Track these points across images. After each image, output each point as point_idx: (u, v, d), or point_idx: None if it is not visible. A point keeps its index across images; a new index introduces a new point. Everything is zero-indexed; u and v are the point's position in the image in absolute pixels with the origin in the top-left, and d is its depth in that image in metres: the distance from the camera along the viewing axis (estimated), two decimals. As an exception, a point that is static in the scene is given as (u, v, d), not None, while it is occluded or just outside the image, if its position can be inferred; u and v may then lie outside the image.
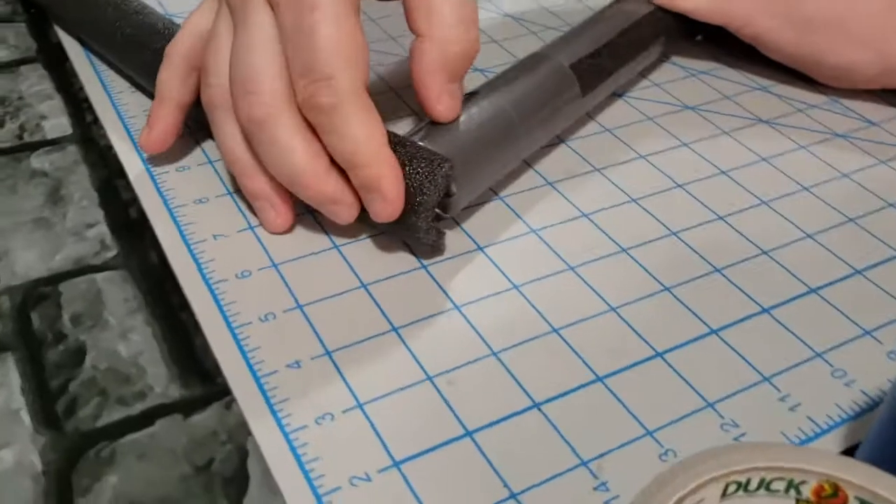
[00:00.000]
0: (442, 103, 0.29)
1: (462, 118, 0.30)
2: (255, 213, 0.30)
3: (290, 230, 0.30)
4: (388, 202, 0.27)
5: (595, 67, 0.34)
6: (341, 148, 0.27)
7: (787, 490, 0.18)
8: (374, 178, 0.27)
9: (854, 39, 0.37)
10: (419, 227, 0.28)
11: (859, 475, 0.18)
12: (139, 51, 0.34)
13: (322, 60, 0.26)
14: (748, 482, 0.18)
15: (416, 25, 0.29)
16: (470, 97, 0.31)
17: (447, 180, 0.27)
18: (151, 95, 0.33)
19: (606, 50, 0.35)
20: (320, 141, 0.27)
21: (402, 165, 0.27)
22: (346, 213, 0.28)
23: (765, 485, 0.18)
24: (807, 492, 0.18)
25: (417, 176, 0.27)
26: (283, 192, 0.29)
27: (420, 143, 0.28)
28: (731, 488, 0.18)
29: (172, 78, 0.31)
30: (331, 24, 0.26)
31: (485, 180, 0.31)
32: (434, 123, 0.30)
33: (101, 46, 0.37)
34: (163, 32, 0.34)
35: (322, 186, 0.27)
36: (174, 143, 0.32)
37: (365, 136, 0.26)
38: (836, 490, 0.18)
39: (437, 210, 0.28)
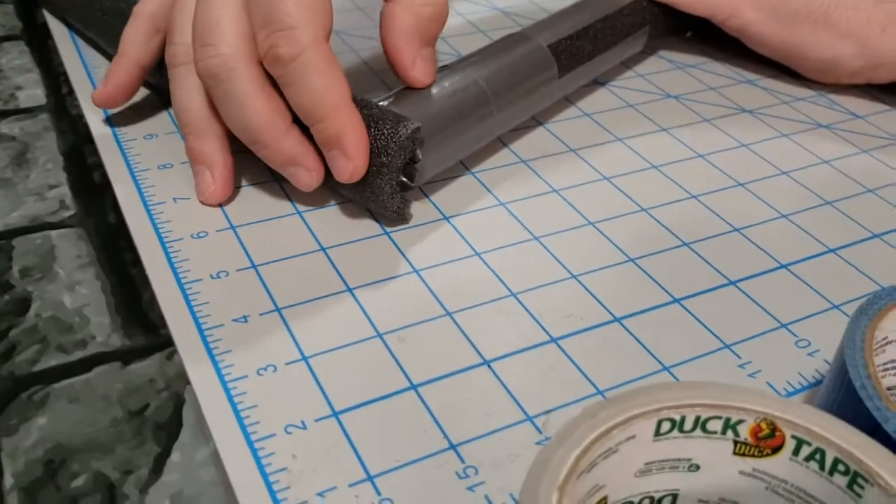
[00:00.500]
0: (417, 68, 0.28)
1: (433, 88, 0.29)
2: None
3: (223, 203, 0.29)
4: (350, 158, 0.26)
5: (574, 50, 0.34)
6: (300, 101, 0.26)
7: (724, 430, 0.17)
8: (334, 133, 0.26)
9: (839, 33, 0.37)
10: (383, 190, 0.27)
11: (796, 413, 0.17)
12: (116, 24, 0.34)
13: (283, 11, 0.25)
14: (683, 420, 0.17)
15: None
16: (443, 69, 0.30)
17: (413, 143, 0.27)
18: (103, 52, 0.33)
19: (587, 33, 0.35)
20: (283, 98, 0.27)
21: (367, 127, 0.27)
22: (306, 176, 0.28)
23: (700, 424, 0.17)
24: (744, 432, 0.17)
25: (382, 137, 0.27)
26: (225, 160, 0.28)
27: (386, 106, 0.28)
28: (665, 426, 0.17)
29: (135, 35, 0.31)
30: None
31: (452, 152, 0.30)
32: (403, 91, 0.29)
33: (80, 23, 0.37)
34: None
35: (281, 144, 0.27)
36: (132, 104, 0.32)
37: (325, 87, 0.26)
38: (774, 429, 0.17)
39: (402, 178, 0.28)
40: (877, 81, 0.38)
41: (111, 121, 0.32)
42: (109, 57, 0.37)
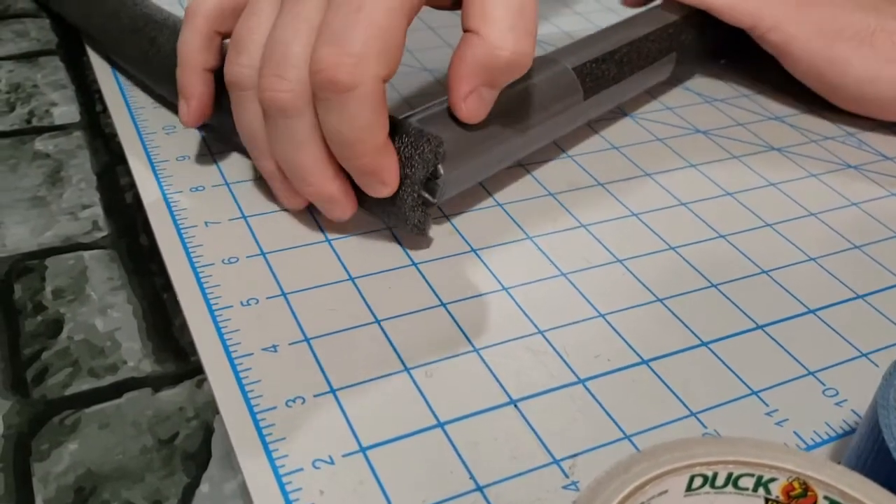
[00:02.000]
0: (469, 103, 0.28)
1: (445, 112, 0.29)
2: (273, 195, 0.30)
3: (306, 207, 0.29)
4: (386, 185, 0.27)
5: (599, 73, 0.34)
6: (344, 131, 0.25)
7: (755, 488, 0.17)
8: (373, 169, 0.26)
9: (883, 56, 0.37)
10: (405, 202, 0.27)
11: (829, 473, 0.17)
12: (136, 40, 0.34)
13: (357, 38, 0.24)
14: (715, 476, 0.17)
15: (469, 21, 0.27)
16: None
17: (436, 157, 0.27)
18: (146, 88, 0.33)
19: (612, 57, 0.34)
20: None
21: (392, 139, 0.27)
22: (340, 211, 0.28)
23: (732, 480, 0.17)
24: (776, 490, 0.17)
25: (406, 150, 0.27)
26: None
27: (413, 120, 0.28)
28: (697, 482, 0.17)
29: (194, 41, 0.29)
30: (381, 10, 0.25)
31: (475, 172, 0.30)
32: (434, 106, 0.29)
33: (100, 38, 0.38)
34: (160, 22, 0.34)
35: (324, 187, 0.27)
36: (165, 125, 0.32)
37: (373, 125, 0.25)
38: (806, 489, 0.17)
39: (424, 194, 0.28)
40: None
41: (144, 141, 0.33)
42: (127, 73, 0.37)
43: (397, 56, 0.25)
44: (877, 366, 0.26)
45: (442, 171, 0.28)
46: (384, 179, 0.26)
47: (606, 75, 0.34)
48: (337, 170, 0.27)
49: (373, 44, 0.24)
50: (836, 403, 0.25)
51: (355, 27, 0.24)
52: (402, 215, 0.28)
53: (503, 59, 0.26)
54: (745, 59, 0.43)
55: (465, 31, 0.27)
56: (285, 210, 0.30)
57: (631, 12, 0.41)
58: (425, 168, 0.27)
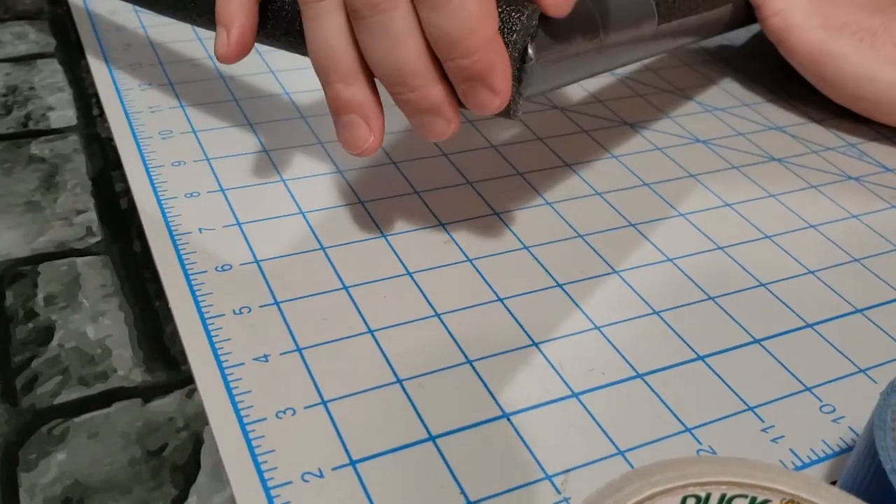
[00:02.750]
0: None
1: None
2: (338, 134, 0.26)
3: (376, 151, 0.27)
4: (497, 93, 0.24)
5: (672, 1, 0.33)
6: (449, 28, 0.23)
7: (749, 509, 0.17)
8: (485, 68, 0.24)
9: (882, 57, 0.36)
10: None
11: (823, 495, 0.16)
12: None
13: None
14: (708, 497, 0.17)
15: None
16: None
17: (532, 23, 0.25)
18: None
19: None
20: None
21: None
22: (444, 125, 0.25)
23: (726, 501, 0.17)
24: (770, 512, 0.17)
25: (503, 15, 0.24)
26: (378, 105, 0.26)
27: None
28: (690, 502, 0.17)
29: None
30: None
31: (562, 72, 0.28)
32: None
33: None
34: None
35: (429, 90, 0.25)
36: (162, 129, 0.31)
37: (482, 15, 0.23)
38: (801, 512, 0.17)
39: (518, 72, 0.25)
40: None
41: (140, 146, 0.33)
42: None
43: None
44: (875, 382, 0.26)
45: (532, 55, 0.25)
46: (494, 85, 0.24)
47: (677, 5, 0.33)
48: (442, 73, 0.25)
49: None
50: (833, 420, 0.24)
51: None
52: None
53: None
54: (749, 66, 0.43)
55: None
56: (277, 218, 0.30)
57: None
58: (525, 32, 0.25)
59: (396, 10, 0.24)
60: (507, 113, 0.26)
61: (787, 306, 0.28)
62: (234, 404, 0.23)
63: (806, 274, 0.30)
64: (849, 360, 0.27)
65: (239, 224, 0.29)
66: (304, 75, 0.39)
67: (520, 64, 0.25)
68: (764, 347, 0.27)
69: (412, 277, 0.28)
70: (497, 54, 0.24)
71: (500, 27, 0.24)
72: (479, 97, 0.24)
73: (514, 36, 0.25)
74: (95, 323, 0.26)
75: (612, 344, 0.26)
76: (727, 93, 0.42)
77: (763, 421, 0.24)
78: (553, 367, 0.25)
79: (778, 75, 0.40)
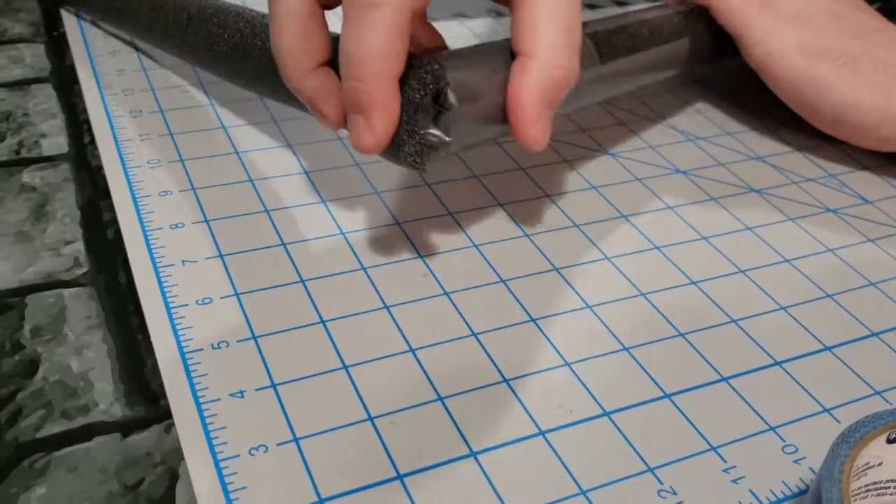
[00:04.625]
0: (537, 128, 0.27)
1: (476, 52, 0.28)
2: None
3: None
4: (372, 130, 0.25)
5: (613, 42, 0.33)
6: (352, 50, 0.25)
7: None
8: (367, 100, 0.25)
9: (863, 81, 0.37)
10: (400, 131, 0.26)
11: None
12: (200, 29, 0.34)
13: None
14: None
15: (521, 44, 0.27)
16: (490, 43, 0.29)
17: (436, 80, 0.25)
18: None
19: (625, 31, 0.34)
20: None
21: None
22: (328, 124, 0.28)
23: None
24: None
25: (406, 75, 0.26)
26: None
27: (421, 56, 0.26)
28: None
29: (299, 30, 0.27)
30: None
31: (491, 118, 0.28)
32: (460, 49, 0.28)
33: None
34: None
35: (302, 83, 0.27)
36: (151, 158, 0.33)
37: (383, 51, 0.25)
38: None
39: (433, 132, 0.26)
40: (892, 147, 0.38)
41: (128, 175, 0.33)
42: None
43: None
44: (838, 421, 0.26)
45: (453, 102, 0.26)
46: (372, 120, 0.25)
47: (620, 45, 0.34)
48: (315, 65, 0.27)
49: None
50: (795, 461, 0.25)
51: None
52: (396, 150, 0.26)
53: (559, 78, 0.27)
54: (733, 92, 0.44)
55: (517, 52, 0.27)
56: (258, 250, 0.31)
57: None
58: (424, 91, 0.25)
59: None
60: (406, 160, 0.26)
61: (757, 343, 0.29)
62: (210, 440, 0.24)
63: (778, 310, 0.31)
64: (814, 398, 0.27)
65: (221, 256, 0.30)
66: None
67: (435, 112, 0.26)
68: (731, 385, 0.27)
69: (389, 311, 0.29)
70: (385, 92, 0.25)
71: (404, 72, 0.25)
72: (355, 128, 0.26)
73: (414, 82, 0.25)
74: (79, 356, 0.27)
75: (580, 381, 0.27)
76: (709, 121, 0.43)
77: (725, 461, 0.25)
78: (522, 404, 0.26)
79: (762, 101, 0.41)
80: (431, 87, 0.26)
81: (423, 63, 0.26)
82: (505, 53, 0.28)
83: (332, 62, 0.27)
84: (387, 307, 0.29)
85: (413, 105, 0.26)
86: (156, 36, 0.38)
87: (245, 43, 0.32)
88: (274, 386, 0.26)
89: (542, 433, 0.25)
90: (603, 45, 0.33)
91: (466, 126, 0.27)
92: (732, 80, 0.42)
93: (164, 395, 0.25)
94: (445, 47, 0.30)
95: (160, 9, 0.37)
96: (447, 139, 0.26)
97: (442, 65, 0.26)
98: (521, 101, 0.27)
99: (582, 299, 0.30)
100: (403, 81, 0.26)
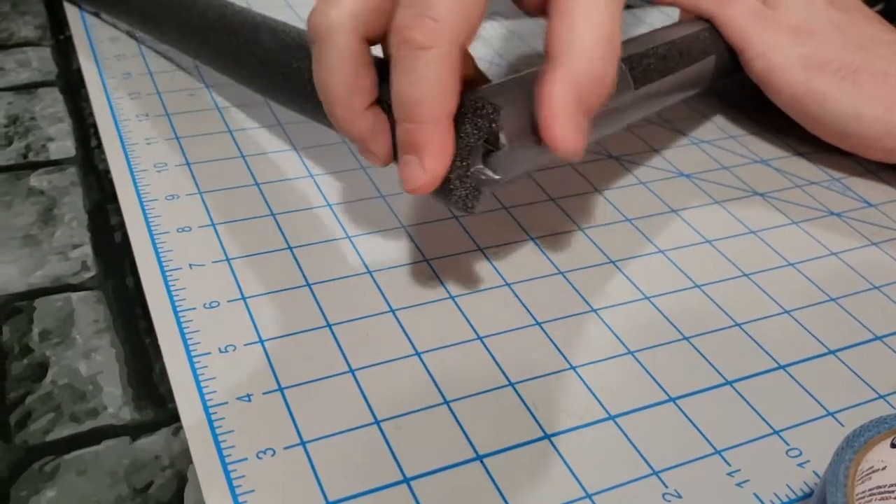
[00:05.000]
0: (570, 137, 0.25)
1: (520, 84, 0.27)
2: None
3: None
4: (425, 171, 0.25)
5: (646, 66, 0.33)
6: (407, 90, 0.25)
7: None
8: (421, 141, 0.25)
9: (864, 93, 0.37)
10: (451, 170, 0.26)
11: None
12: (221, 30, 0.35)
13: (446, 4, 0.24)
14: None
15: (554, 50, 0.26)
16: (529, 73, 0.29)
17: (490, 124, 0.25)
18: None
19: (656, 52, 0.34)
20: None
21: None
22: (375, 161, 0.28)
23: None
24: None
25: (459, 117, 0.26)
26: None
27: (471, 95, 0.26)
28: None
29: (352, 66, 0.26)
30: None
31: (537, 155, 0.28)
32: (506, 81, 0.28)
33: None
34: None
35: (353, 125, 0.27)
36: (156, 162, 0.33)
37: (438, 92, 0.25)
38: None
39: (482, 169, 0.26)
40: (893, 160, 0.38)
41: (135, 179, 0.34)
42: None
43: (477, 23, 0.25)
44: (842, 425, 0.27)
45: (504, 143, 0.25)
46: (425, 161, 0.25)
47: (652, 68, 0.34)
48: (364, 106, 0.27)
49: (452, 7, 0.24)
50: (799, 464, 0.25)
51: None
52: (446, 189, 0.26)
53: (593, 79, 0.26)
54: (737, 97, 0.44)
55: (550, 57, 0.26)
56: (265, 254, 0.31)
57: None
58: (478, 135, 0.25)
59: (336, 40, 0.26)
60: (457, 204, 0.26)
61: (761, 347, 0.29)
62: (217, 444, 0.24)
63: (781, 314, 0.31)
64: (818, 402, 0.27)
65: (228, 260, 0.30)
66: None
67: (485, 151, 0.26)
68: (735, 389, 0.27)
69: (395, 314, 0.29)
70: (439, 134, 0.25)
71: (458, 112, 0.25)
72: (408, 168, 0.25)
73: (468, 124, 0.25)
74: (88, 359, 0.27)
75: (587, 385, 0.27)
76: (714, 124, 0.43)
77: (730, 464, 0.25)
78: (527, 408, 0.26)
79: (766, 107, 0.41)
80: (485, 128, 0.25)
81: (476, 103, 0.26)
82: None
83: (379, 98, 0.27)
84: (392, 311, 0.29)
85: (467, 146, 0.26)
86: (173, 36, 0.39)
87: (273, 58, 0.33)
88: (281, 389, 0.26)
89: (547, 437, 0.25)
90: (636, 68, 0.33)
91: (513, 162, 0.27)
92: (736, 84, 0.42)
93: (172, 399, 0.25)
94: (485, 78, 0.30)
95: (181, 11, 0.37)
96: (496, 177, 0.26)
97: (496, 106, 0.25)
98: (551, 112, 0.25)
99: (587, 303, 0.30)
100: (457, 122, 0.26)
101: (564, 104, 0.25)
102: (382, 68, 0.27)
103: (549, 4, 0.27)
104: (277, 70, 0.32)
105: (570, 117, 0.25)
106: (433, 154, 0.25)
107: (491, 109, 0.25)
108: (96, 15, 0.45)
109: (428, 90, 0.24)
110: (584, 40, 0.26)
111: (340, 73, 0.26)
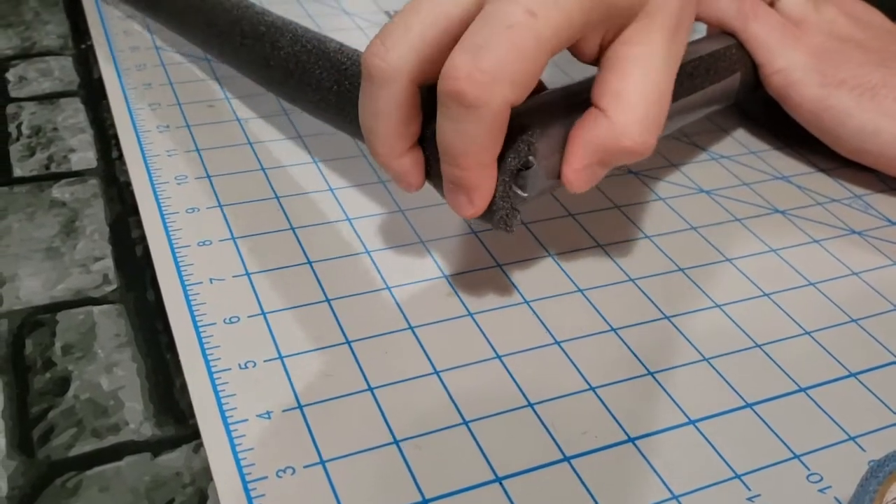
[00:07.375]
0: (580, 175, 0.27)
1: (554, 103, 0.28)
2: None
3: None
4: (473, 205, 0.26)
5: (675, 83, 0.33)
6: (454, 141, 0.25)
7: None
8: (470, 185, 0.26)
9: (882, 111, 0.37)
10: (496, 192, 0.26)
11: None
12: (256, 47, 0.35)
13: (500, 58, 0.24)
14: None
15: (600, 98, 0.27)
16: (568, 87, 0.30)
17: (528, 148, 0.26)
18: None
19: (683, 70, 0.33)
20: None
21: None
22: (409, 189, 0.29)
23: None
24: None
25: (510, 143, 0.26)
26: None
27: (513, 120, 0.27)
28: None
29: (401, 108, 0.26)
30: (531, 36, 0.24)
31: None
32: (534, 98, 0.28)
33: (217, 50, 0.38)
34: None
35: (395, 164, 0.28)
36: (178, 174, 0.33)
37: (485, 144, 0.25)
38: None
39: (515, 189, 0.27)
40: None
41: (156, 192, 0.34)
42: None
43: (530, 85, 0.25)
44: (864, 450, 0.26)
45: (533, 162, 0.26)
46: (473, 199, 0.26)
47: (681, 86, 0.33)
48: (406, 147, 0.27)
49: (512, 67, 0.24)
50: (820, 490, 0.25)
51: (500, 45, 0.24)
52: (489, 211, 0.27)
53: (626, 147, 0.26)
54: (762, 115, 0.43)
55: (595, 105, 0.27)
56: (285, 268, 0.31)
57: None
58: (517, 159, 0.26)
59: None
60: (499, 225, 0.27)
61: (781, 369, 0.29)
62: (238, 462, 0.24)
63: (802, 335, 0.31)
64: (839, 426, 0.27)
65: (248, 274, 0.30)
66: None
67: (517, 172, 0.27)
68: (755, 412, 0.27)
69: (413, 332, 0.29)
70: (486, 179, 0.26)
71: (502, 152, 0.26)
72: (456, 200, 0.27)
73: (511, 157, 0.26)
74: (109, 374, 0.27)
75: (605, 406, 0.27)
76: (734, 139, 0.43)
77: (749, 489, 0.25)
78: (546, 429, 0.26)
79: (788, 122, 0.40)
80: (524, 152, 0.26)
81: (517, 136, 0.26)
82: (582, 107, 0.28)
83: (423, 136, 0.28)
84: (411, 328, 0.29)
85: (508, 175, 0.26)
86: (200, 39, 0.39)
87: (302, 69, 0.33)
88: (300, 407, 0.26)
89: (566, 459, 0.25)
90: None
91: (541, 180, 0.27)
92: (758, 99, 0.42)
93: (192, 415, 0.26)
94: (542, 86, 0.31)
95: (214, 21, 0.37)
96: (524, 195, 0.27)
97: (535, 135, 0.26)
98: (573, 148, 0.27)
99: (607, 322, 0.30)
100: (501, 156, 0.26)
101: (591, 149, 0.27)
102: (427, 99, 0.27)
103: (604, 58, 0.27)
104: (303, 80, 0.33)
105: (588, 169, 0.27)
106: (480, 194, 0.26)
107: (532, 140, 0.26)
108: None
109: (472, 145, 0.25)
110: (632, 99, 0.26)
111: (389, 121, 0.26)
